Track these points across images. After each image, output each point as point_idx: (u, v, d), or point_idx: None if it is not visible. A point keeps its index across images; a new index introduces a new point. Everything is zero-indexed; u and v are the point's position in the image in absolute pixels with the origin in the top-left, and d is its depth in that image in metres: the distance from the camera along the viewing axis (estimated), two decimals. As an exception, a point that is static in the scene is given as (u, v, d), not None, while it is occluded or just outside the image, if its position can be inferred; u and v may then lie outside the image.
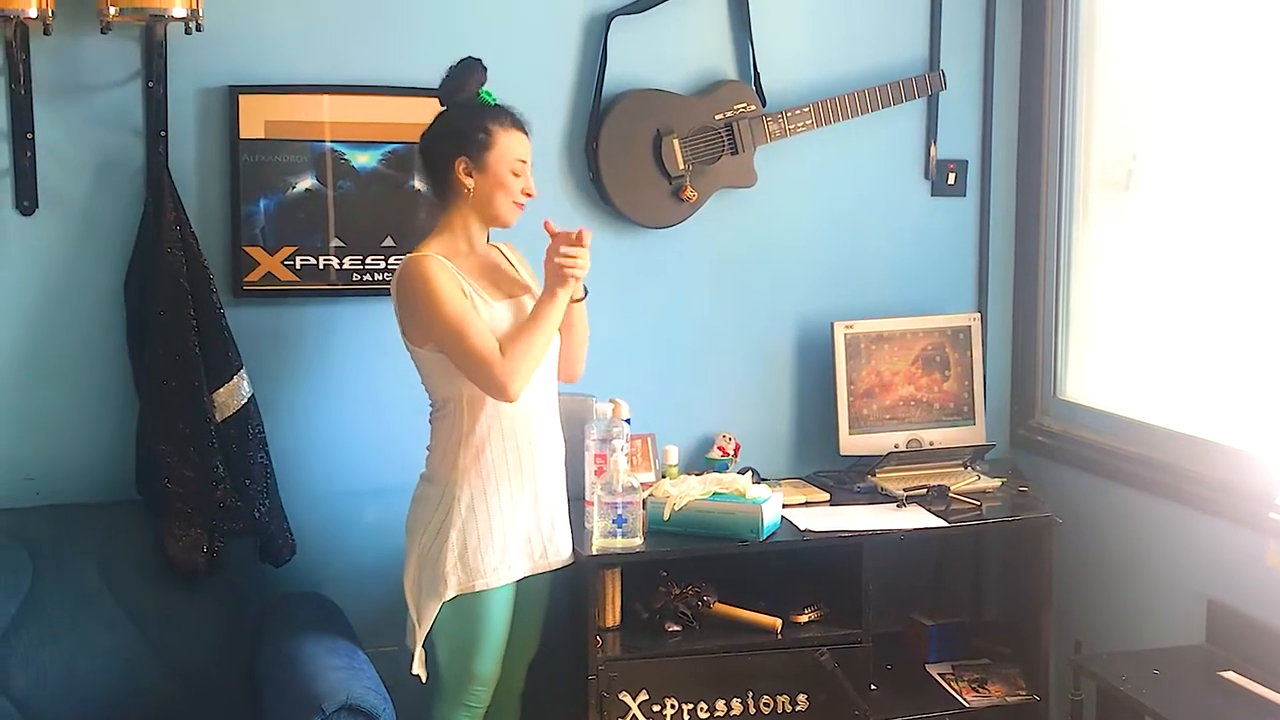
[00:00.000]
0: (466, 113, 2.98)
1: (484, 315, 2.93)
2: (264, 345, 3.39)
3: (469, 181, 2.97)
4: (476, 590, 2.97)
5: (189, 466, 3.17)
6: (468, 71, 3.00)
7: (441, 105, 3.03)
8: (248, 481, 3.24)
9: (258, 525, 3.25)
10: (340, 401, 3.48)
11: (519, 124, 3.00)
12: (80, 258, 3.26)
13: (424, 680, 3.04)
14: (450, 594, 2.95)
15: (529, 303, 3.07)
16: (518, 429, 2.98)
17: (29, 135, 3.19)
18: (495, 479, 2.97)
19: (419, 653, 3.00)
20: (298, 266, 3.39)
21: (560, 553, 3.08)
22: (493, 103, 3.00)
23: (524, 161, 2.98)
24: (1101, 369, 3.82)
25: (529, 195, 3.00)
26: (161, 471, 3.17)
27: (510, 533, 2.99)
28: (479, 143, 2.94)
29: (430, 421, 3.06)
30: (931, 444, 3.79)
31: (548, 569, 3.07)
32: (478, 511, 2.96)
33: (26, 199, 3.21)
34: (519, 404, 2.95)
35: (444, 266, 2.92)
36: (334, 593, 3.41)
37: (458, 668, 3.03)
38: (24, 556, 3.10)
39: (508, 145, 2.96)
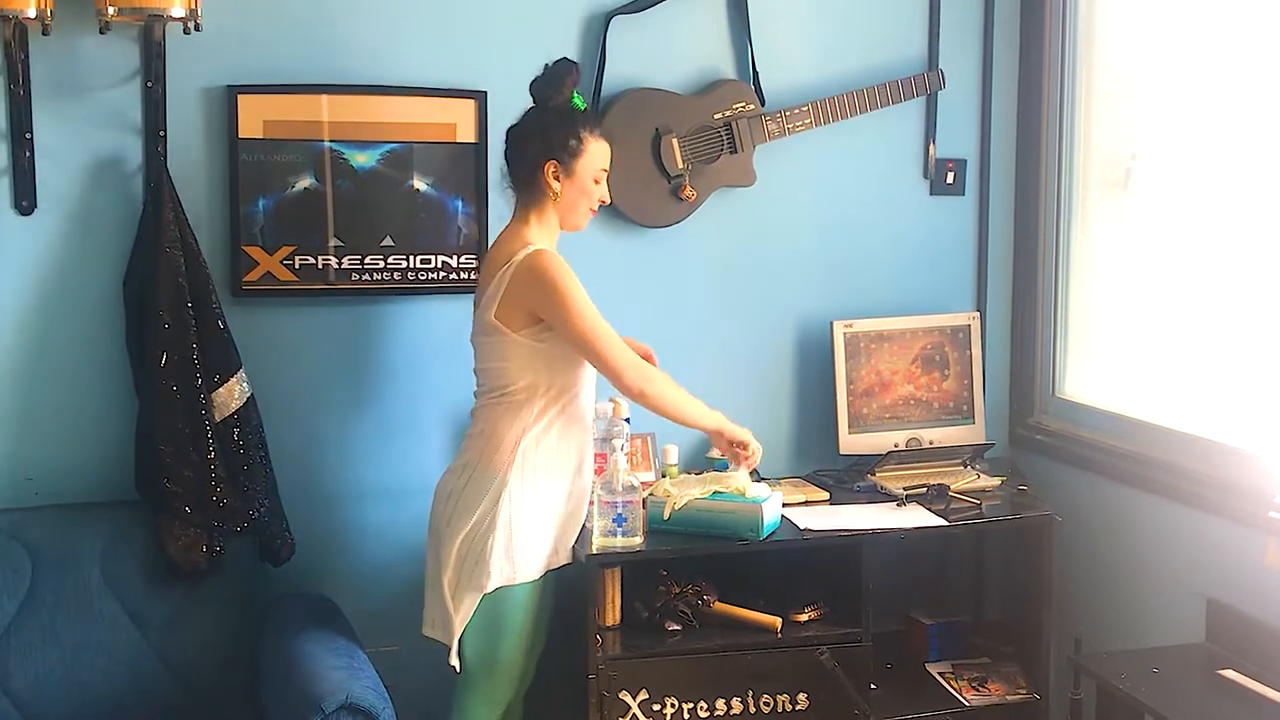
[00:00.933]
0: (559, 116, 3.02)
1: None
2: (263, 345, 3.38)
3: (556, 185, 3.01)
4: (516, 583, 2.98)
5: (188, 466, 3.16)
6: (564, 73, 3.03)
7: (535, 103, 3.04)
8: (247, 481, 3.24)
9: (257, 525, 3.25)
10: (340, 401, 3.48)
11: (607, 134, 3.07)
12: (79, 258, 3.26)
13: (459, 671, 3.03)
14: (492, 586, 2.96)
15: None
16: (574, 426, 3.04)
17: (27, 135, 3.19)
18: (552, 473, 3.02)
19: (454, 645, 3.00)
20: (297, 266, 3.39)
21: (568, 551, 3.11)
22: (583, 108, 3.04)
23: (607, 171, 3.05)
24: (1100, 368, 3.82)
25: (604, 203, 3.09)
26: (161, 471, 3.16)
27: (554, 527, 3.04)
28: (571, 149, 2.99)
29: (479, 410, 3.05)
30: (931, 443, 3.79)
31: (561, 565, 3.09)
32: (528, 504, 2.99)
33: (25, 199, 3.21)
34: (583, 402, 3.05)
35: (567, 263, 2.99)
36: (333, 592, 3.41)
37: (489, 660, 3.04)
38: (24, 556, 3.10)
39: (596, 154, 3.02)
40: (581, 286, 2.96)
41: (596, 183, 3.05)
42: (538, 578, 3.02)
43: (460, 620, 2.98)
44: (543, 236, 3.03)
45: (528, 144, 3.04)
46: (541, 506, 3.00)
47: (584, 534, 3.20)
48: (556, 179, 3.01)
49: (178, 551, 3.17)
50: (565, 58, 3.05)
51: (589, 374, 3.05)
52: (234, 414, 3.24)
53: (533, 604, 3.04)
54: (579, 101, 3.04)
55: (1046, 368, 3.93)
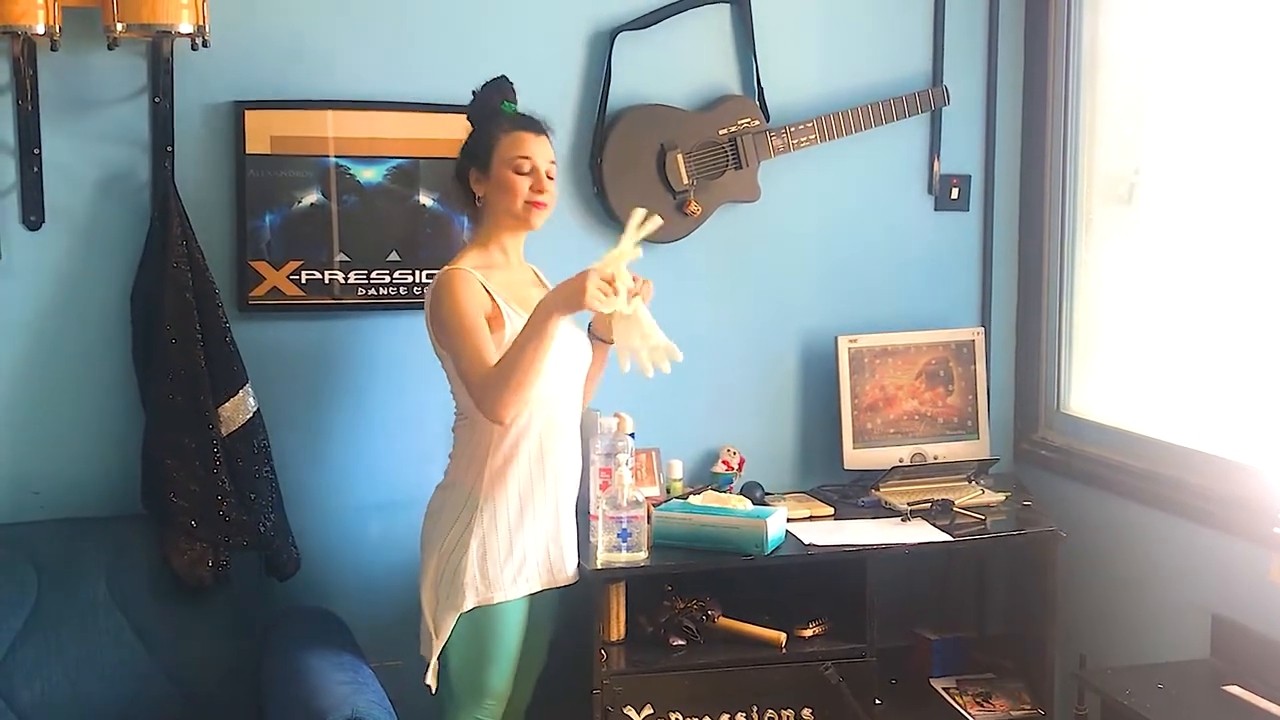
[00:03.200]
0: (481, 125, 3.02)
1: (516, 326, 2.92)
2: (270, 359, 3.39)
3: (479, 190, 3.00)
4: (494, 603, 2.96)
5: (194, 480, 3.16)
6: (492, 90, 3.04)
7: (470, 123, 3.05)
8: (253, 496, 3.24)
9: (263, 539, 3.25)
10: (345, 416, 3.49)
11: (525, 125, 3.00)
12: (86, 272, 3.28)
13: (434, 691, 3.03)
14: (468, 606, 2.94)
15: (562, 323, 3.07)
16: (544, 443, 2.99)
17: (35, 151, 3.20)
18: (519, 491, 2.97)
19: (434, 664, 2.99)
20: (303, 281, 3.40)
21: (568, 570, 3.07)
22: (509, 113, 3.02)
23: (526, 158, 2.96)
24: (1105, 383, 3.82)
25: (539, 192, 2.98)
26: (166, 485, 3.16)
27: (529, 546, 2.99)
28: (484, 148, 2.98)
29: (454, 430, 3.06)
30: (935, 458, 3.79)
31: (556, 585, 3.06)
32: (499, 523, 2.96)
33: (33, 214, 3.22)
34: (550, 418, 2.98)
35: (470, 279, 2.93)
36: (339, 607, 3.42)
37: (470, 681, 3.02)
38: (29, 571, 3.10)
39: (507, 145, 2.97)
40: (468, 306, 2.88)
41: (518, 171, 2.96)
42: (518, 598, 2.99)
43: (439, 640, 2.97)
44: (481, 253, 3.01)
45: (458, 162, 3.06)
46: (514, 526, 2.96)
47: (589, 548, 3.21)
48: (478, 183, 3.00)
49: (183, 566, 3.17)
50: (500, 75, 3.04)
51: (548, 390, 2.95)
52: (240, 428, 3.24)
53: (514, 624, 3.00)
54: (508, 108, 3.03)
55: (1051, 383, 3.93)
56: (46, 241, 3.25)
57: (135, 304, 3.25)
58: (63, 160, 3.23)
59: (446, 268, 2.98)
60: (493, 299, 2.94)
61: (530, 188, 2.97)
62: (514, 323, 2.93)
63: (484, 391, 2.85)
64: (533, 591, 3.02)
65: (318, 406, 3.47)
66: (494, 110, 3.01)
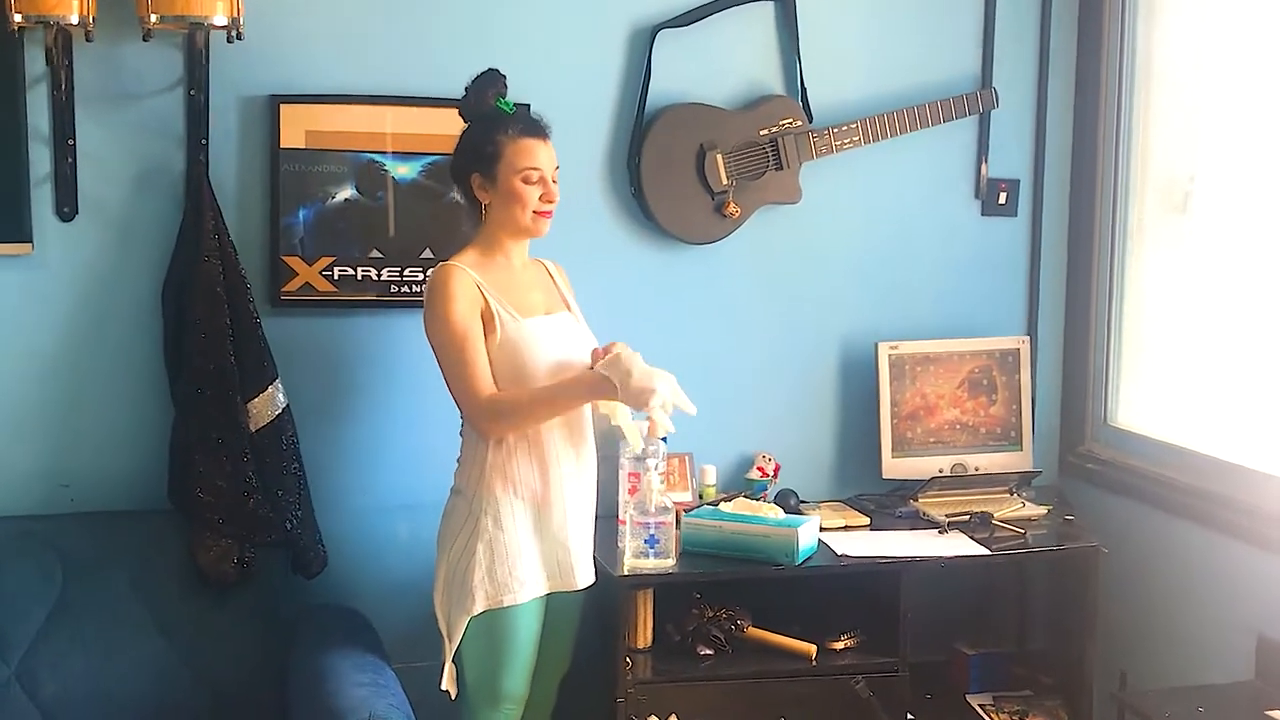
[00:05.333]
0: (480, 126, 2.96)
1: (509, 330, 2.89)
2: (301, 356, 3.37)
3: (484, 197, 2.95)
4: (504, 606, 2.92)
5: (221, 476, 3.15)
6: (485, 84, 2.97)
7: (463, 119, 3.00)
8: (280, 492, 3.21)
9: (289, 537, 3.22)
10: (376, 414, 3.46)
11: (531, 130, 2.95)
12: (119, 265, 3.26)
13: (453, 696, 3.00)
14: (478, 609, 2.91)
15: (568, 320, 3.04)
16: (544, 444, 2.94)
17: (70, 141, 3.19)
18: (521, 493, 2.93)
19: (449, 668, 2.97)
20: (336, 277, 3.38)
21: (578, 574, 3.01)
22: (510, 111, 2.96)
23: (535, 169, 2.92)
24: (1154, 395, 3.72)
25: (549, 202, 2.94)
26: (193, 481, 3.15)
27: (535, 549, 2.95)
28: (488, 156, 2.92)
29: (460, 434, 3.03)
30: (977, 469, 3.71)
31: (567, 589, 3.01)
32: (504, 525, 2.92)
33: (67, 205, 3.21)
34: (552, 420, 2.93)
35: (465, 278, 2.90)
36: (366, 606, 3.38)
37: (486, 684, 2.99)
38: (55, 564, 3.10)
39: (515, 154, 2.91)
40: (457, 305, 2.86)
41: (527, 181, 2.91)
42: (528, 601, 2.95)
43: (451, 644, 2.94)
44: (482, 253, 2.97)
45: (456, 162, 3.00)
46: (519, 528, 2.92)
47: (616, 553, 3.16)
48: (483, 189, 2.95)
49: (208, 561, 3.16)
50: (491, 68, 2.98)
51: (548, 383, 2.92)
52: (269, 424, 3.22)
53: (527, 627, 2.96)
54: (505, 106, 2.96)
55: (1098, 394, 3.84)
56: (79, 233, 3.24)
57: (166, 297, 3.24)
58: (97, 151, 3.22)
59: (440, 264, 2.95)
60: (486, 300, 2.90)
61: (540, 198, 2.93)
62: (507, 327, 2.90)
63: (480, 413, 2.88)
64: (542, 595, 2.98)
65: (348, 404, 3.45)
66: (491, 109, 2.95)
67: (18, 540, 3.11)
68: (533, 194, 2.93)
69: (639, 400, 2.84)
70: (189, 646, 3.14)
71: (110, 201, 3.25)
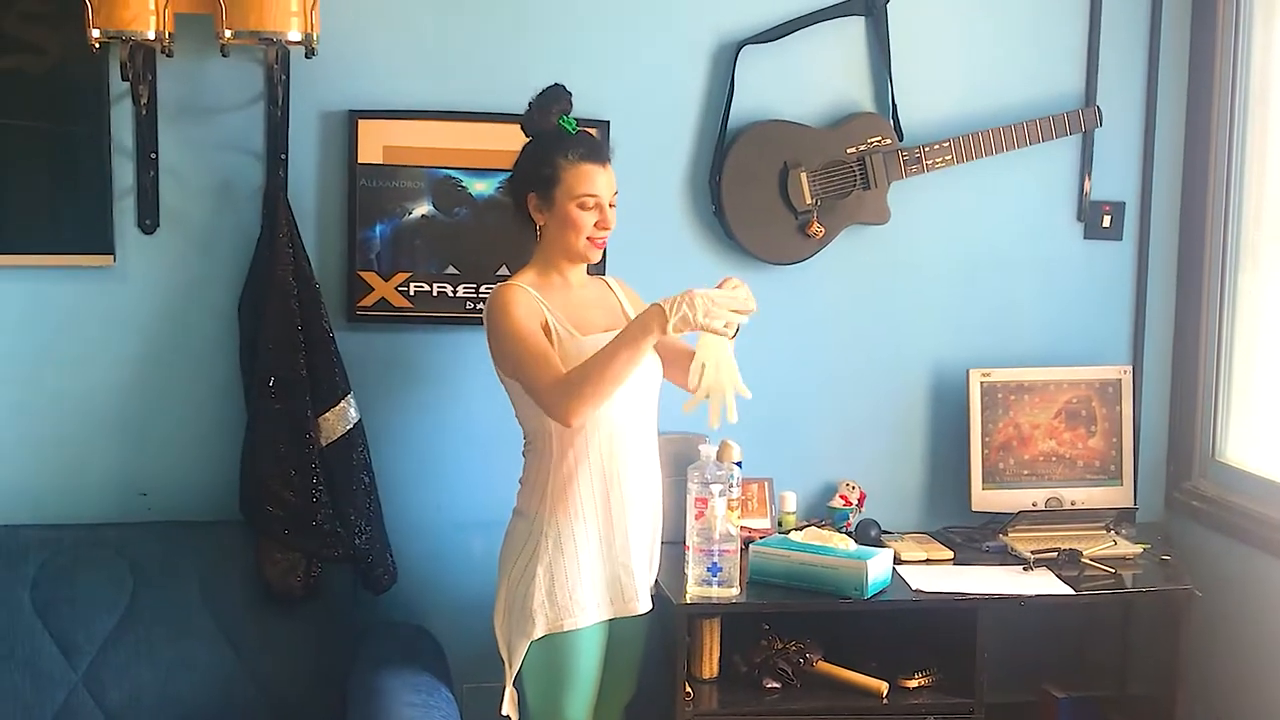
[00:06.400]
0: (541, 145, 2.90)
1: (568, 347, 2.84)
2: (374, 371, 3.38)
3: (539, 218, 2.91)
4: (565, 630, 2.87)
5: (291, 489, 3.15)
6: (550, 100, 2.91)
7: (525, 135, 2.96)
8: (349, 508, 3.21)
9: (357, 552, 3.22)
10: (449, 430, 3.44)
11: (591, 155, 2.88)
12: (198, 277, 3.30)
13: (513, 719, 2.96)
14: (539, 633, 2.87)
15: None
16: (606, 466, 2.88)
17: (152, 155, 3.25)
18: (583, 516, 2.88)
19: (510, 692, 2.93)
20: (411, 293, 3.37)
21: (639, 599, 2.94)
22: (573, 131, 2.90)
23: (593, 195, 2.85)
24: (1266, 431, 3.51)
25: (604, 229, 2.89)
26: (263, 494, 3.16)
27: (598, 571, 2.90)
28: (545, 178, 2.86)
29: (523, 454, 2.99)
30: (1073, 504, 3.56)
31: (628, 614, 2.95)
32: (565, 548, 2.87)
33: (149, 218, 3.26)
34: (609, 439, 2.87)
35: (525, 295, 2.86)
36: (434, 624, 3.37)
37: (548, 709, 2.94)
38: (126, 572, 3.14)
39: (574, 180, 2.85)
40: (523, 319, 2.80)
41: (583, 208, 2.86)
42: (590, 625, 2.89)
43: (512, 668, 2.90)
44: (539, 274, 2.93)
45: (514, 178, 2.95)
46: (580, 551, 2.87)
47: (682, 580, 3.09)
48: (539, 211, 2.90)
49: (275, 575, 3.17)
50: (556, 84, 2.91)
51: (605, 409, 2.82)
52: (340, 438, 3.22)
53: (589, 651, 2.91)
54: (568, 124, 2.90)
55: (1207, 428, 3.65)
56: (160, 245, 3.28)
57: (243, 310, 3.27)
58: (178, 165, 3.27)
59: (500, 285, 2.92)
60: (545, 316, 2.86)
61: (595, 224, 2.88)
62: (565, 343, 2.84)
63: (554, 396, 2.76)
64: (604, 619, 2.92)
65: (422, 420, 3.43)
66: (553, 127, 2.90)
67: (90, 548, 3.15)
68: (588, 220, 2.88)
69: (689, 312, 2.70)
70: (254, 658, 3.15)
71: (190, 215, 3.29)
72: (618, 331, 2.91)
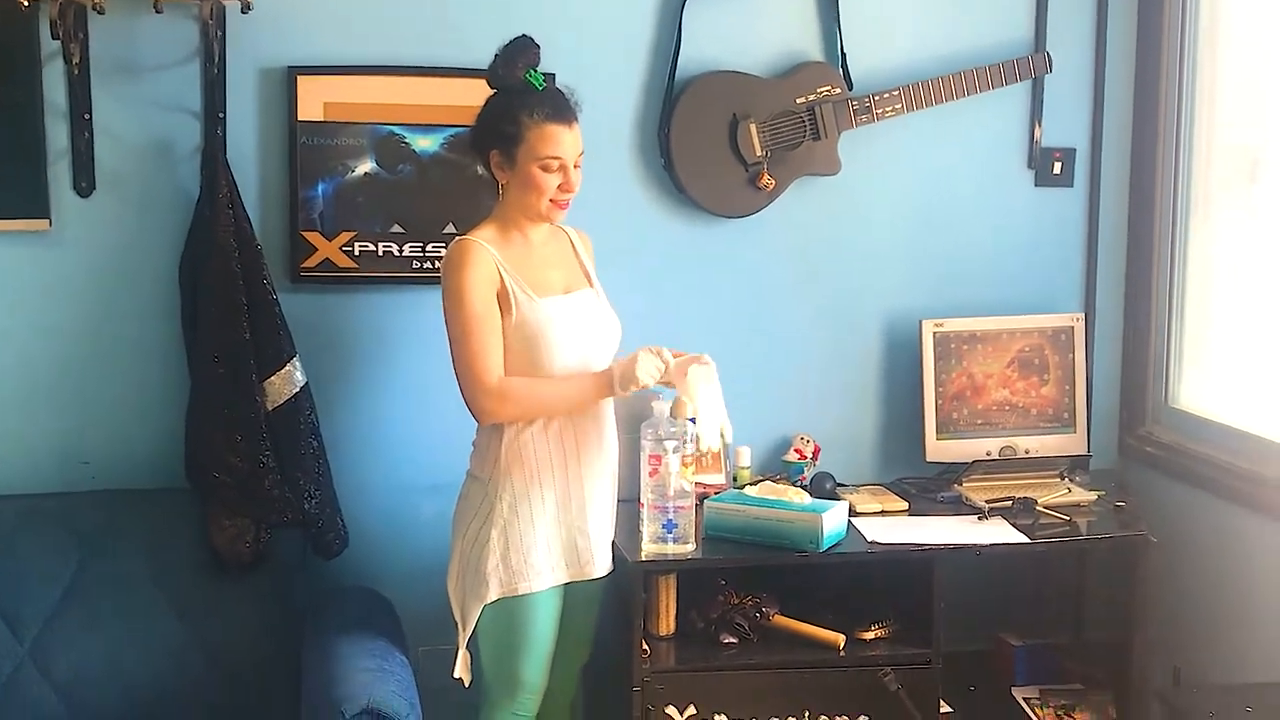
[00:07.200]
0: (505, 100, 2.83)
1: (524, 310, 2.80)
2: (320, 333, 3.32)
3: (501, 176, 2.85)
4: (519, 593, 2.84)
5: (237, 455, 3.10)
6: (516, 52, 2.83)
7: (490, 87, 2.88)
8: (298, 472, 3.16)
9: (307, 517, 3.17)
10: (399, 392, 3.39)
11: (557, 115, 2.80)
12: (137, 240, 3.23)
13: (467, 684, 2.94)
14: (492, 596, 2.84)
15: (590, 297, 2.94)
16: (561, 427, 2.85)
17: (86, 116, 3.16)
18: (539, 479, 2.84)
19: (462, 655, 2.90)
20: (356, 253, 3.31)
21: (597, 562, 2.92)
22: (539, 87, 2.83)
23: (557, 158, 2.79)
24: (1219, 377, 3.53)
25: (567, 192, 2.83)
26: (208, 459, 3.11)
27: (554, 535, 2.86)
28: (508, 136, 2.79)
29: None
30: (1027, 452, 3.55)
31: (585, 578, 2.92)
32: (520, 512, 2.84)
33: (84, 180, 3.19)
34: None
35: (483, 254, 2.80)
36: (388, 588, 3.33)
37: (502, 673, 2.92)
38: (71, 543, 3.09)
39: (537, 141, 2.78)
40: (474, 283, 2.76)
41: (547, 170, 2.78)
42: (548, 588, 2.86)
43: (465, 631, 2.87)
44: (499, 230, 2.87)
45: (476, 133, 2.88)
46: (535, 514, 2.84)
47: (636, 539, 3.06)
48: (500, 169, 2.84)
49: (223, 542, 3.12)
50: (523, 35, 2.84)
51: (565, 365, 2.83)
52: (286, 402, 3.16)
53: (544, 615, 2.88)
54: (535, 79, 2.82)
55: (1159, 375, 3.65)
56: (97, 208, 3.21)
57: (184, 273, 3.20)
58: (113, 126, 3.19)
59: (458, 238, 2.86)
60: (503, 279, 2.80)
61: (559, 186, 2.81)
62: (523, 307, 2.80)
63: (480, 393, 2.79)
64: (560, 583, 2.89)
65: (371, 382, 3.39)
66: (519, 81, 2.82)
67: (31, 518, 3.10)
68: (551, 182, 2.81)
69: (628, 373, 2.80)
70: (203, 628, 3.11)
71: (127, 176, 3.22)
72: (579, 293, 2.91)
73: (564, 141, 2.80)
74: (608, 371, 2.83)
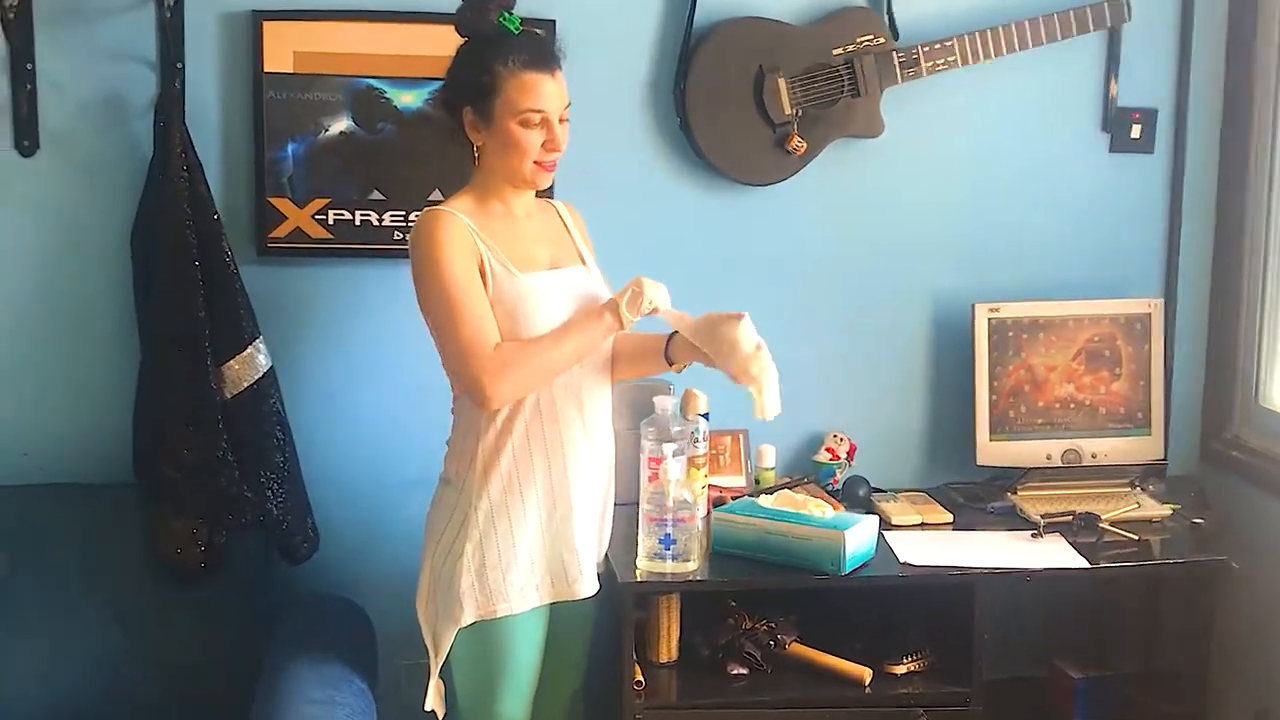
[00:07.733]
0: (477, 48, 2.50)
1: (505, 287, 2.46)
2: (289, 312, 3.07)
3: (477, 137, 2.51)
4: (497, 616, 2.52)
5: (189, 447, 2.84)
6: None
7: (460, 35, 2.54)
8: (260, 467, 2.90)
9: (269, 518, 2.90)
10: (377, 379, 3.14)
11: (537, 62, 2.47)
12: (85, 206, 2.99)
13: (441, 716, 2.64)
14: (467, 619, 2.52)
15: (582, 275, 2.60)
16: (547, 427, 2.51)
17: (28, 66, 2.92)
18: (519, 485, 2.51)
19: (435, 684, 2.60)
20: (330, 222, 3.05)
21: (584, 581, 2.58)
22: (515, 32, 2.49)
23: (538, 111, 2.45)
24: (1318, 374, 3.16)
25: (553, 151, 2.49)
26: (158, 452, 2.86)
27: (536, 549, 2.54)
28: (482, 88, 2.46)
29: (451, 411, 2.63)
30: (1094, 456, 3.21)
31: (571, 598, 2.58)
32: (498, 524, 2.51)
33: (26, 138, 2.95)
34: (550, 396, 2.51)
35: (459, 225, 2.47)
36: (362, 596, 3.07)
37: (479, 706, 2.60)
38: (1, 540, 2.83)
39: (515, 92, 2.44)
40: (450, 251, 2.45)
41: (527, 125, 2.46)
42: (527, 610, 2.54)
43: (438, 658, 2.56)
44: (477, 201, 2.55)
45: (445, 89, 2.55)
46: (515, 526, 2.51)
47: (631, 552, 2.73)
48: (475, 128, 2.50)
49: (169, 544, 2.87)
50: None
51: None
52: (248, 389, 2.90)
53: (526, 640, 2.56)
54: (510, 23, 2.49)
55: (1248, 370, 3.33)
56: (41, 169, 2.98)
57: (135, 243, 2.95)
58: (59, 78, 2.95)
59: (429, 209, 2.52)
60: (480, 252, 2.47)
61: (542, 145, 2.48)
62: (502, 283, 2.47)
63: (478, 370, 2.42)
64: (543, 604, 2.56)
65: (345, 367, 3.12)
66: (492, 26, 2.49)
67: (-42, 513, 2.86)
68: (534, 140, 2.47)
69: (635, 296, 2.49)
70: (147, 640, 2.86)
71: (74, 134, 2.98)
72: (570, 270, 2.59)
73: (546, 92, 2.46)
74: (611, 301, 2.50)
